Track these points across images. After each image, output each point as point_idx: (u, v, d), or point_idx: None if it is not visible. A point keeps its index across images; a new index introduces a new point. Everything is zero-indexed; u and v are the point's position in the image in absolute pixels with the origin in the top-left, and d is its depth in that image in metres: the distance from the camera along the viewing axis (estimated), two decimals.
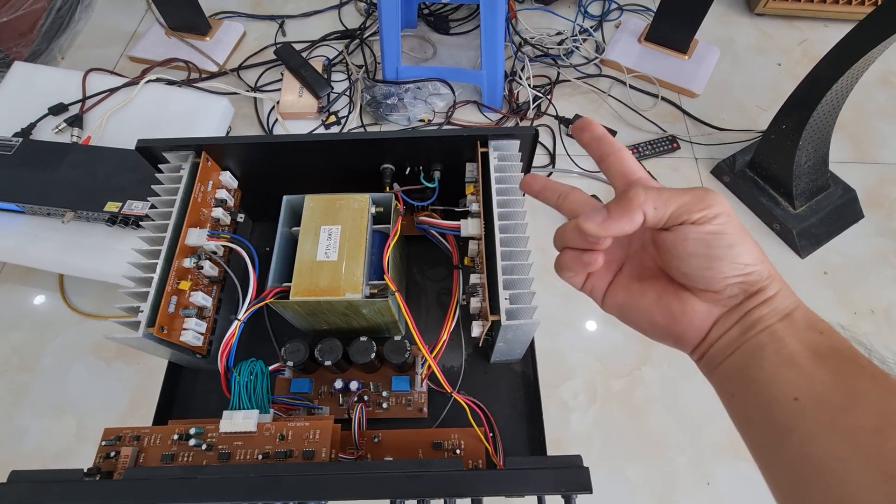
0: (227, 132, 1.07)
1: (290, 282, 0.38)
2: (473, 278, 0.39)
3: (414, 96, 1.20)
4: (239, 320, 0.38)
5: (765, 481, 0.23)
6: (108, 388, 0.94)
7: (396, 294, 0.39)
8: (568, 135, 1.21)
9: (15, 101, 0.98)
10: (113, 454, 0.34)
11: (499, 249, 0.37)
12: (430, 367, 0.40)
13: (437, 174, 0.45)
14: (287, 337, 0.44)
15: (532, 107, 1.23)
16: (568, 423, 0.90)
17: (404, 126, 1.21)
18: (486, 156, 0.41)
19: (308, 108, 1.20)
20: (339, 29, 1.39)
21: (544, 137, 1.21)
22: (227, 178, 0.45)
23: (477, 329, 0.38)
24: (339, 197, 0.41)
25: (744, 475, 0.85)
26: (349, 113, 1.23)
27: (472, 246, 0.41)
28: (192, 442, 0.35)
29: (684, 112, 1.24)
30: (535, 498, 0.33)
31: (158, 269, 0.37)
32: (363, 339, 0.41)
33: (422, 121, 1.21)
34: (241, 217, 0.46)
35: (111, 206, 0.79)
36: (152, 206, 0.41)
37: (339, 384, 0.42)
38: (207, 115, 0.98)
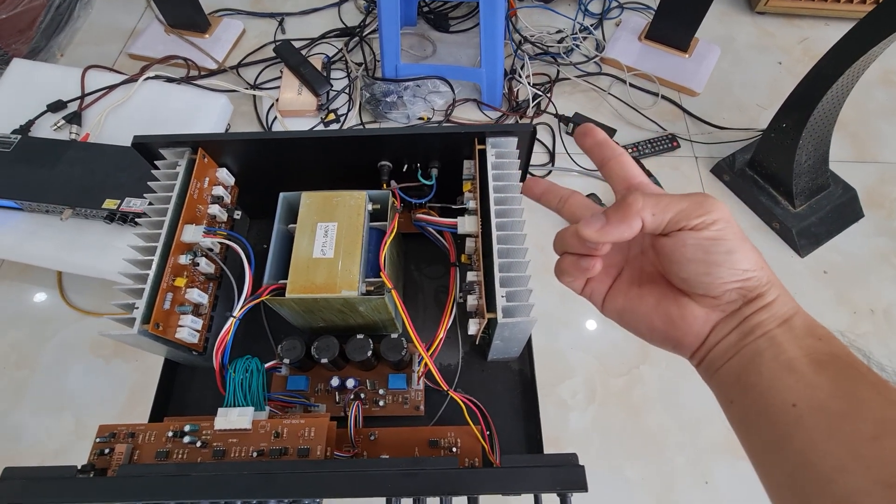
0: (226, 130, 1.07)
1: (287, 279, 0.38)
2: (470, 276, 0.39)
3: (413, 94, 1.20)
4: (234, 317, 0.38)
5: (763, 486, 0.23)
6: (106, 385, 0.94)
7: (393, 291, 0.38)
8: (568, 133, 1.20)
9: (14, 98, 0.98)
10: (107, 451, 0.34)
11: (496, 247, 0.36)
12: (426, 364, 0.40)
13: (434, 171, 0.45)
14: (283, 334, 0.44)
15: (532, 105, 1.23)
16: (566, 422, 0.90)
17: (404, 124, 1.21)
18: (483, 153, 0.41)
19: (307, 105, 1.20)
20: (338, 26, 1.39)
21: (544, 136, 1.21)
22: (224, 174, 0.45)
23: (474, 327, 0.38)
24: (336, 194, 0.41)
25: (742, 475, 0.85)
26: (348, 111, 1.23)
27: (470, 243, 0.41)
28: (186, 439, 0.34)
29: (684, 110, 1.24)
30: (531, 496, 0.32)
31: (154, 266, 0.37)
32: (360, 336, 0.41)
33: (421, 119, 1.21)
34: (237, 214, 0.46)
35: (109, 204, 0.79)
36: (149, 203, 0.41)
37: (335, 382, 0.42)
38: (206, 113, 0.98)
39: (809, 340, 0.23)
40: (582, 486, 0.29)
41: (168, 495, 0.29)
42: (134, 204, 0.79)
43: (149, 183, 0.41)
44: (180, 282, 0.38)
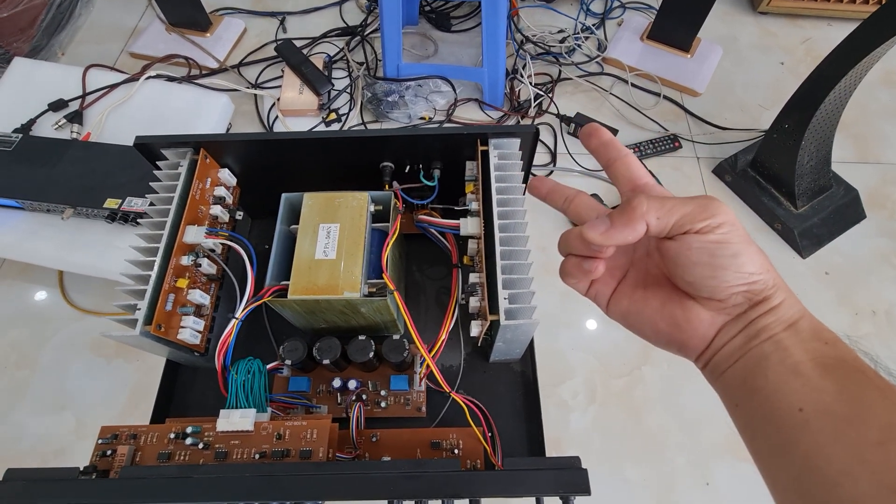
0: (228, 129, 1.07)
1: (289, 280, 0.38)
2: (473, 277, 0.39)
3: (415, 94, 1.19)
4: (237, 319, 0.38)
5: (767, 489, 0.23)
6: (107, 385, 0.94)
7: (395, 293, 0.38)
8: (569, 133, 1.20)
9: (15, 97, 0.98)
10: (109, 452, 0.34)
11: (498, 249, 0.36)
12: (428, 366, 0.40)
13: (436, 172, 0.45)
14: (285, 335, 0.44)
15: (533, 105, 1.23)
16: (567, 423, 0.90)
17: (405, 124, 1.20)
18: (486, 154, 0.41)
19: (309, 105, 1.19)
20: (339, 26, 1.39)
21: (545, 136, 1.21)
22: (226, 175, 0.45)
23: (476, 328, 0.38)
24: (338, 195, 0.41)
25: (743, 476, 0.85)
26: (350, 110, 1.23)
27: (472, 245, 0.41)
28: (188, 441, 0.34)
29: (686, 111, 1.24)
30: (533, 498, 0.32)
31: (156, 267, 0.37)
32: (362, 337, 0.41)
33: (422, 118, 1.21)
34: (239, 214, 0.46)
35: (111, 203, 0.79)
36: (150, 204, 0.41)
37: (337, 383, 0.42)
38: (208, 112, 0.98)
39: (816, 344, 0.23)
40: (585, 490, 0.29)
41: (171, 497, 0.29)
42: (135, 203, 0.79)
43: (151, 183, 0.41)
44: (182, 283, 0.38)
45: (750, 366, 0.24)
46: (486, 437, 0.39)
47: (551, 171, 1.17)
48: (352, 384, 0.42)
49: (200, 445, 0.35)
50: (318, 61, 1.24)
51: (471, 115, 1.23)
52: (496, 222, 0.37)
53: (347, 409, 0.41)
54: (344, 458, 0.37)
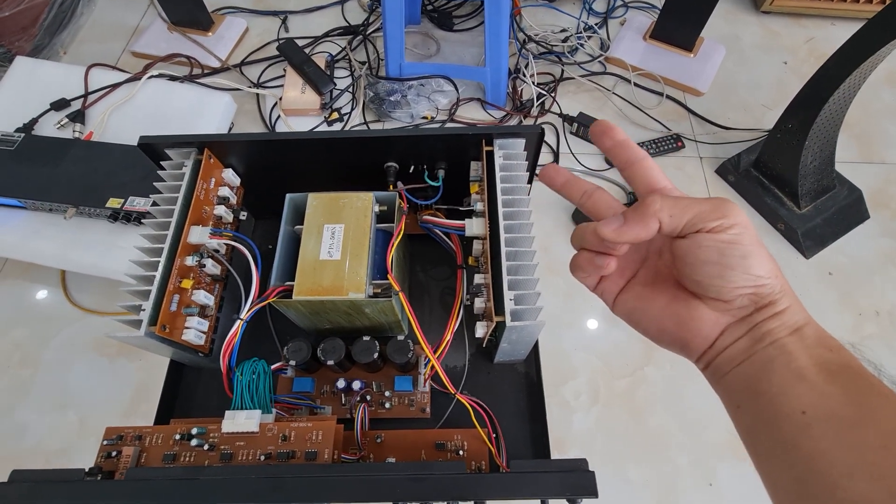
0: (230, 128, 1.07)
1: (293, 281, 0.38)
2: (478, 278, 0.39)
3: (417, 93, 1.19)
4: (241, 320, 0.38)
5: (767, 491, 0.23)
6: (110, 384, 0.94)
7: (400, 294, 0.38)
8: (572, 133, 1.20)
9: (17, 97, 0.98)
10: (114, 454, 0.34)
11: (504, 249, 0.36)
12: (433, 367, 0.40)
13: (441, 173, 0.45)
14: (289, 336, 0.44)
15: (536, 104, 1.22)
16: (570, 423, 0.90)
17: (407, 123, 1.20)
18: (491, 154, 0.41)
19: (311, 104, 1.19)
20: (342, 25, 1.38)
21: (548, 135, 1.21)
22: (230, 175, 0.45)
23: (481, 330, 0.38)
24: (343, 195, 0.41)
25: (746, 476, 0.84)
26: (352, 109, 1.23)
27: (477, 245, 0.41)
28: (194, 442, 0.34)
29: (689, 110, 1.23)
30: (537, 500, 0.32)
31: (160, 268, 0.37)
32: (366, 338, 0.40)
33: (425, 118, 1.21)
34: (243, 215, 0.46)
35: (113, 203, 0.79)
36: (154, 204, 0.41)
37: (341, 384, 0.41)
38: (210, 112, 0.98)
39: (820, 350, 0.23)
40: (592, 492, 0.29)
41: (177, 499, 0.29)
42: (138, 203, 0.79)
43: (155, 184, 0.41)
44: (187, 283, 0.38)
45: (754, 369, 0.24)
46: (491, 439, 0.39)
47: None
48: (356, 385, 0.41)
49: (206, 447, 0.34)
50: (321, 61, 1.24)
51: (473, 114, 1.23)
52: (501, 223, 0.37)
53: (352, 410, 0.41)
54: (349, 459, 0.37)
